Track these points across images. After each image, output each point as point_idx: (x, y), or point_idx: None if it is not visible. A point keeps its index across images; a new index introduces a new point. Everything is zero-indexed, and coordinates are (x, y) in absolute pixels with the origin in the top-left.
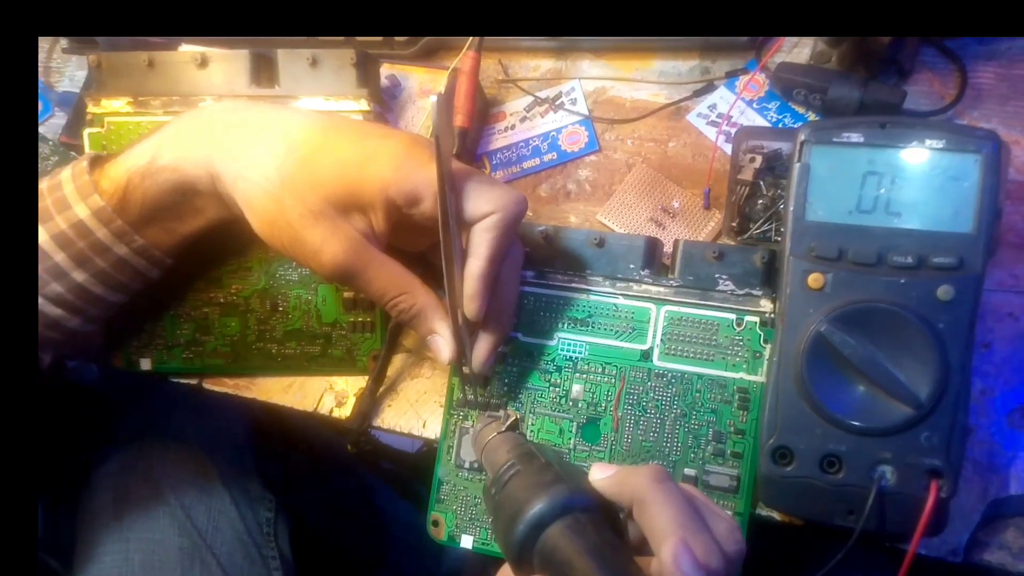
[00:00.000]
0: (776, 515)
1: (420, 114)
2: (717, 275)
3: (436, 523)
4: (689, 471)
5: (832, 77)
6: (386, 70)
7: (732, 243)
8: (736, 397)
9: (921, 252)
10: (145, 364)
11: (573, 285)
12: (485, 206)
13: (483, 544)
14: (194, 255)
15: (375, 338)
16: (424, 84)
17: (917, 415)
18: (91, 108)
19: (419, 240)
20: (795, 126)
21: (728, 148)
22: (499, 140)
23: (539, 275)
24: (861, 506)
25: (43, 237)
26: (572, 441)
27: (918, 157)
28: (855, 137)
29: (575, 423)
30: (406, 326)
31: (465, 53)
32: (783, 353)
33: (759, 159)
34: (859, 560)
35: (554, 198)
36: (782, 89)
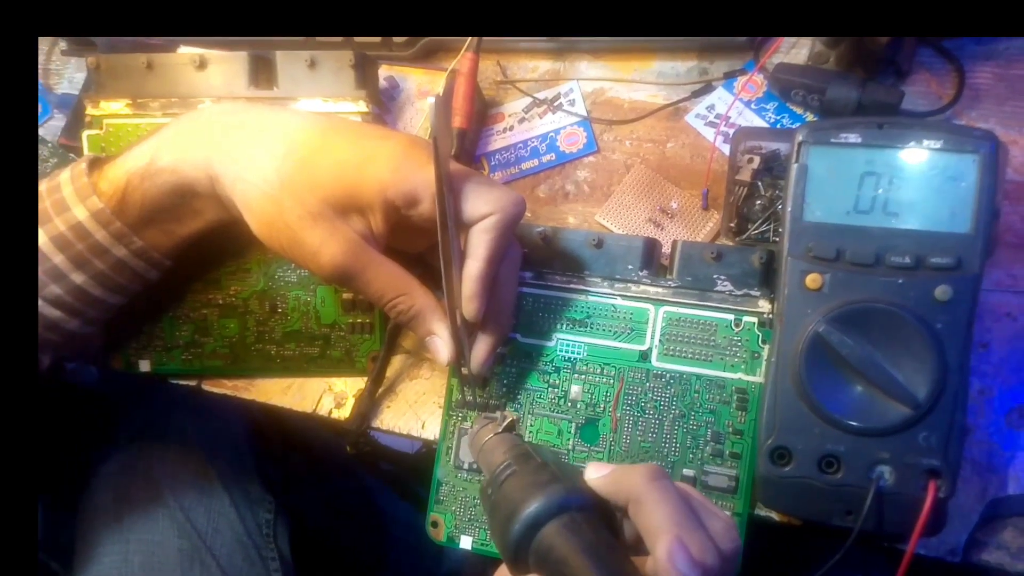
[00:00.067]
0: (775, 515)
1: (418, 115)
2: (715, 276)
3: (435, 524)
4: (688, 471)
5: (830, 78)
6: (384, 71)
7: (730, 244)
8: (734, 397)
9: (919, 252)
10: (144, 366)
11: (571, 286)
12: (483, 207)
13: (482, 545)
14: (193, 257)
15: (374, 339)
16: (422, 85)
17: (915, 415)
18: (90, 110)
19: (418, 241)
20: (793, 127)
21: (726, 149)
22: (497, 141)
23: (538, 276)
24: (859, 506)
25: (42, 239)
26: (571, 442)
27: (916, 157)
28: (853, 137)
29: (574, 424)
30: (405, 327)
31: (463, 54)
32: (781, 353)
33: (757, 160)
34: (857, 560)
35: (552, 199)
36: (780, 90)
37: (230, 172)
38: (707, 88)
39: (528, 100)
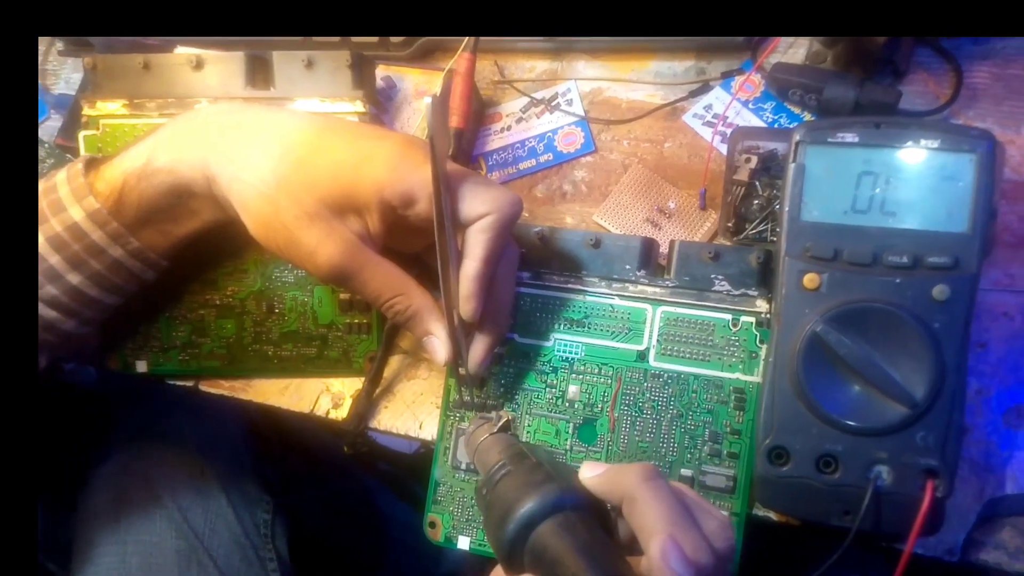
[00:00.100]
0: (773, 515)
1: (416, 115)
2: (713, 275)
3: (433, 524)
4: (685, 471)
5: (828, 77)
6: (382, 71)
7: (728, 243)
8: (732, 397)
9: (916, 252)
10: (141, 366)
11: (569, 286)
12: (480, 207)
13: (480, 545)
14: (190, 257)
15: (371, 339)
16: (420, 85)
17: (913, 415)
18: (87, 110)
19: (415, 241)
20: (790, 126)
21: (724, 148)
22: (495, 141)
23: (535, 276)
24: (857, 506)
25: (38, 240)
26: (568, 442)
27: (913, 157)
28: (850, 137)
29: (571, 424)
30: (402, 327)
31: (461, 54)
32: (779, 353)
33: (755, 159)
34: (855, 560)
35: (550, 199)
36: (778, 89)
37: (226, 172)
38: (705, 88)
39: (525, 100)
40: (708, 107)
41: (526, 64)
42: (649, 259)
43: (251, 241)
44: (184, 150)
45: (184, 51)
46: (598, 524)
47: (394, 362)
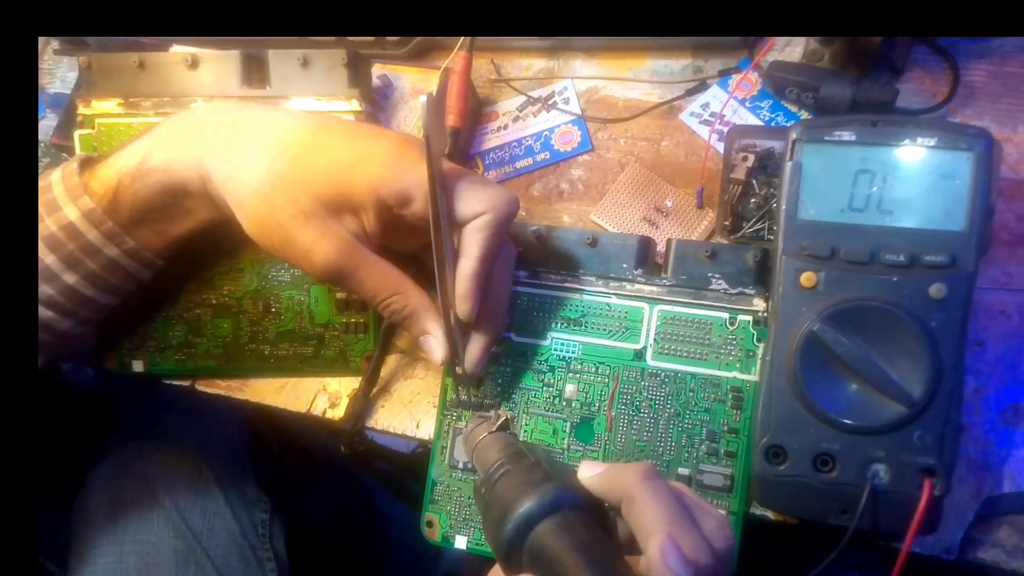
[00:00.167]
0: (770, 514)
1: (412, 114)
2: (710, 274)
3: (430, 524)
4: (683, 470)
5: (824, 75)
6: (378, 70)
7: (725, 242)
8: (729, 396)
9: (913, 250)
10: (137, 366)
11: (566, 285)
12: (476, 206)
13: (477, 544)
14: (186, 256)
15: (368, 339)
16: (416, 84)
17: (910, 413)
18: (82, 110)
19: (411, 240)
20: (787, 125)
21: (721, 147)
22: (492, 140)
23: (532, 275)
24: (854, 505)
25: None
26: (566, 441)
27: (910, 155)
28: (847, 135)
29: (569, 423)
30: (399, 327)
31: (457, 53)
32: (776, 352)
33: (752, 158)
34: (853, 559)
35: (547, 198)
36: (775, 88)
37: (222, 171)
38: (702, 86)
39: (522, 98)
40: (705, 105)
41: (523, 63)
42: (646, 258)
43: (247, 240)
44: (179, 149)
45: (180, 50)
46: (597, 524)
47: (391, 361)
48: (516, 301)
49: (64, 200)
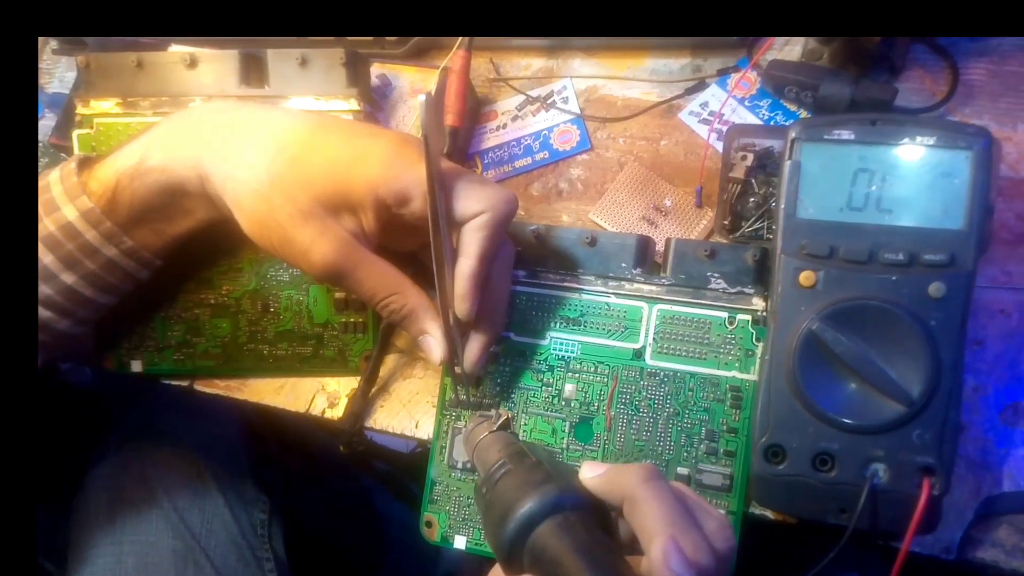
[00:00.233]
0: (769, 514)
1: (411, 113)
2: (709, 273)
3: (429, 524)
4: (682, 470)
5: (823, 74)
6: (376, 69)
7: (724, 241)
8: (728, 396)
9: (912, 249)
10: (136, 366)
11: (565, 284)
12: (475, 205)
13: (476, 544)
14: (184, 256)
15: (367, 339)
16: (415, 83)
17: (909, 413)
18: (80, 109)
19: (409, 240)
20: (786, 124)
21: (720, 146)
22: (491, 139)
23: (531, 274)
24: (854, 504)
25: None
26: (565, 441)
27: (909, 154)
28: (846, 134)
29: (568, 423)
30: (397, 326)
31: (455, 52)
32: (775, 351)
33: (751, 157)
34: (852, 558)
35: (546, 197)
36: (773, 87)
37: (220, 171)
38: (701, 85)
39: (521, 98)
40: (704, 104)
41: (522, 62)
42: (645, 257)
43: (246, 240)
44: (177, 149)
45: (178, 49)
46: (598, 524)
47: (390, 361)
48: (515, 300)
49: (62, 200)
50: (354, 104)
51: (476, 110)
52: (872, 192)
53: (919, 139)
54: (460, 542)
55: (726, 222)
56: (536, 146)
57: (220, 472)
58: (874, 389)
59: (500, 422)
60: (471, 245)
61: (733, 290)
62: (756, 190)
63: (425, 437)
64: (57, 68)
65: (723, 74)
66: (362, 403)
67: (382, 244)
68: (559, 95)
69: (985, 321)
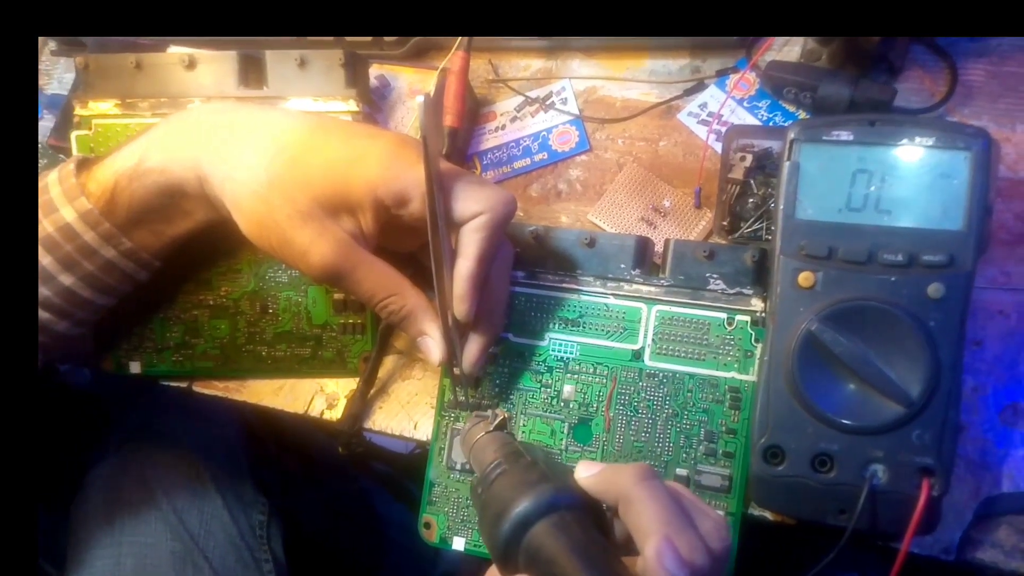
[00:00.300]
0: (768, 515)
1: (410, 114)
2: (708, 274)
3: (428, 525)
4: (681, 471)
5: (822, 75)
6: (375, 70)
7: (723, 242)
8: (727, 396)
9: (911, 250)
10: (134, 367)
11: (564, 285)
12: (474, 206)
13: (475, 546)
14: (183, 257)
15: (366, 340)
16: (414, 84)
17: (908, 413)
18: (79, 110)
19: (408, 241)
20: (785, 124)
21: (719, 147)
22: (489, 140)
23: (530, 275)
24: (853, 505)
25: None
26: (564, 442)
27: (908, 155)
28: (845, 135)
29: (567, 424)
30: (396, 328)
31: (454, 53)
32: (774, 352)
33: (749, 158)
34: (851, 559)
35: (545, 198)
36: (772, 87)
37: (219, 172)
38: (699, 86)
39: (520, 99)
40: (703, 105)
41: (520, 63)
42: (644, 258)
43: (244, 241)
44: (176, 150)
45: (177, 51)
46: (593, 524)
47: (388, 362)
48: (514, 301)
49: (61, 201)
50: (353, 105)
51: (475, 111)
52: (871, 193)
53: (918, 140)
54: (459, 543)
55: (725, 223)
56: (535, 147)
57: (219, 473)
58: (873, 390)
59: (497, 422)
60: (470, 246)
61: (732, 291)
62: (755, 191)
63: (424, 438)
64: (56, 69)
65: (722, 75)
66: (361, 404)
67: (381, 245)
68: (558, 96)
69: (984, 321)
